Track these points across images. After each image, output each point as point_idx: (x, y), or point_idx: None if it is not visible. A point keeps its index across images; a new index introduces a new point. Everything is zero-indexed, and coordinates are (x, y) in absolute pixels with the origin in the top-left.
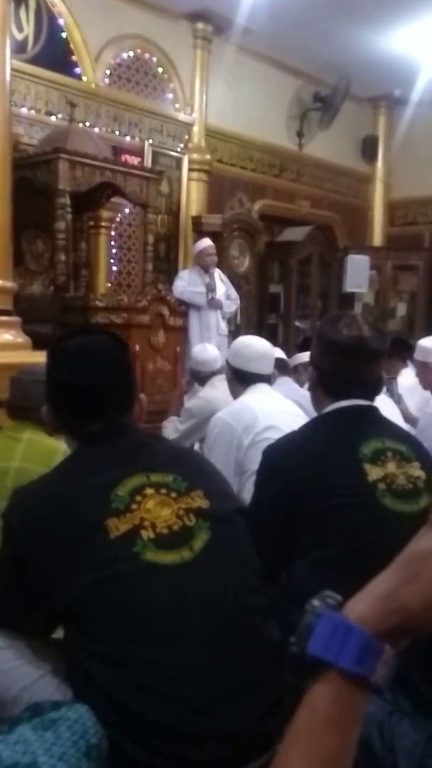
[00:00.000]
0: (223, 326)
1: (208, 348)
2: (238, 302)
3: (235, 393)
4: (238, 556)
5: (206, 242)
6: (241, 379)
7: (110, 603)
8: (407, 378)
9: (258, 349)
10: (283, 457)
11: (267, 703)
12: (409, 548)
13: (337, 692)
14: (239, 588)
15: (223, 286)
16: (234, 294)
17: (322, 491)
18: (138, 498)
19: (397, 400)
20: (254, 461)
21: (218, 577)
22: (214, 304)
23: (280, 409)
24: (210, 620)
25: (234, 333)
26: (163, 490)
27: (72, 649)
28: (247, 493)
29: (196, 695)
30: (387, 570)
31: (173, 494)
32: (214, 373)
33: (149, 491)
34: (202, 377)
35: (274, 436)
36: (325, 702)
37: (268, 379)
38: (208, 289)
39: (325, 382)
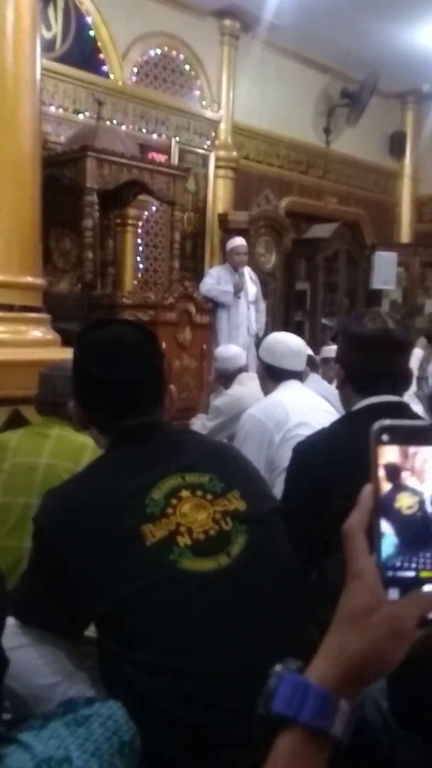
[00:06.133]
0: (254, 326)
1: (230, 346)
2: (263, 306)
3: (267, 389)
4: (276, 559)
5: (238, 241)
6: (273, 376)
7: (148, 612)
8: None
9: (291, 345)
10: (313, 454)
11: None
12: (345, 605)
13: (300, 745)
14: (278, 592)
15: (254, 287)
16: (260, 297)
17: (353, 489)
18: (173, 501)
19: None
20: (285, 458)
21: (257, 582)
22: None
23: (311, 406)
24: (249, 627)
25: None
26: (199, 492)
27: (109, 655)
28: (277, 490)
29: (238, 702)
30: (333, 628)
31: (209, 496)
32: (240, 370)
33: (185, 494)
34: (229, 374)
35: (305, 432)
36: (289, 754)
37: (299, 376)
38: (236, 288)
39: (352, 378)
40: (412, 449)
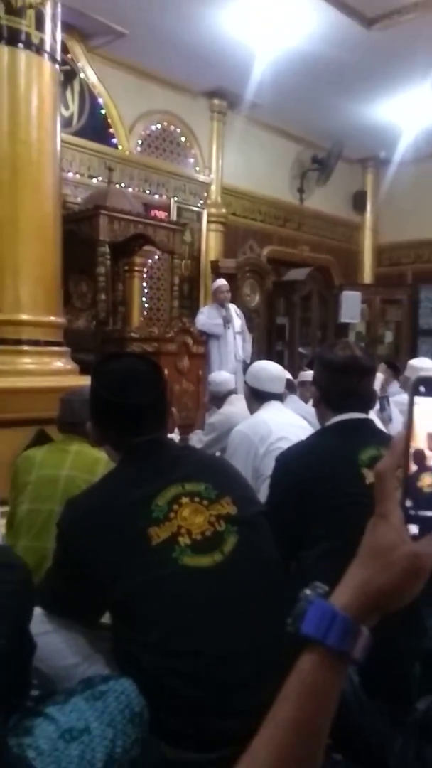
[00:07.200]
0: (241, 353)
1: (221, 372)
2: (249, 337)
3: (252, 409)
4: (262, 555)
5: (220, 282)
6: (257, 397)
7: (155, 601)
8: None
9: (272, 371)
10: (294, 462)
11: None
12: (370, 541)
13: (323, 663)
14: (264, 582)
15: (239, 320)
16: (246, 329)
17: (328, 491)
18: (175, 507)
19: (388, 417)
20: (268, 467)
21: (246, 575)
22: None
23: (290, 423)
24: (240, 614)
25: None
26: (197, 499)
27: (121, 638)
28: (262, 495)
29: (229, 679)
30: (357, 561)
31: (205, 502)
32: (230, 392)
33: (185, 500)
34: (221, 396)
35: (285, 445)
36: (313, 671)
37: (280, 397)
38: (224, 321)
39: (326, 397)
40: None
